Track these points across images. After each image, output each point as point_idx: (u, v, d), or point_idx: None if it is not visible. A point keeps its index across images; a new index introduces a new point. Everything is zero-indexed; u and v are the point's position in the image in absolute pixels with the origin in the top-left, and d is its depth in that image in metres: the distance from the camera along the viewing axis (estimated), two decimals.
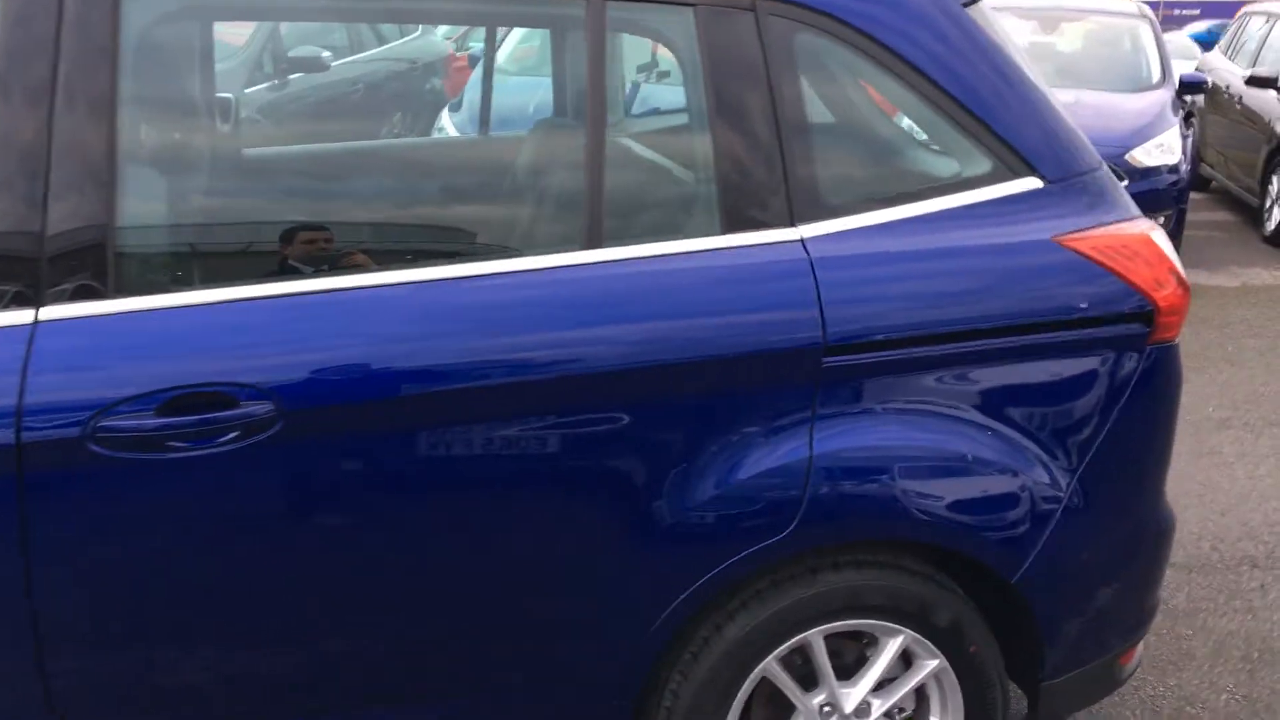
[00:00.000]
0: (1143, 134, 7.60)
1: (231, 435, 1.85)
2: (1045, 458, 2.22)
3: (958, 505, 2.18)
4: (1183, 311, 2.30)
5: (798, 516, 2.10)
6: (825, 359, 2.08)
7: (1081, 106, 7.72)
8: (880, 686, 2.32)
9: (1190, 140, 8.11)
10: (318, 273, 1.98)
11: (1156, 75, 8.32)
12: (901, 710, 2.39)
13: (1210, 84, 10.26)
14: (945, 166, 2.24)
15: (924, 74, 2.16)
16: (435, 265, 2.01)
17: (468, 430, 1.97)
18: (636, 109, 2.62)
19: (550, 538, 2.05)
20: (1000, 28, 2.33)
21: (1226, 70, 10.36)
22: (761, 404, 2.08)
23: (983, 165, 2.21)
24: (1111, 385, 2.25)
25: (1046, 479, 2.22)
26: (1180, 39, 16.86)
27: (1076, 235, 2.20)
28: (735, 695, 2.21)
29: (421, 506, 1.98)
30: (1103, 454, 2.27)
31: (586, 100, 2.04)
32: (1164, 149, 7.55)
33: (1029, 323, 2.18)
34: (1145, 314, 2.23)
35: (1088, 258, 2.19)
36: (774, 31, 2.09)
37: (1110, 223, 2.24)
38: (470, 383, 1.96)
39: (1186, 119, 10.59)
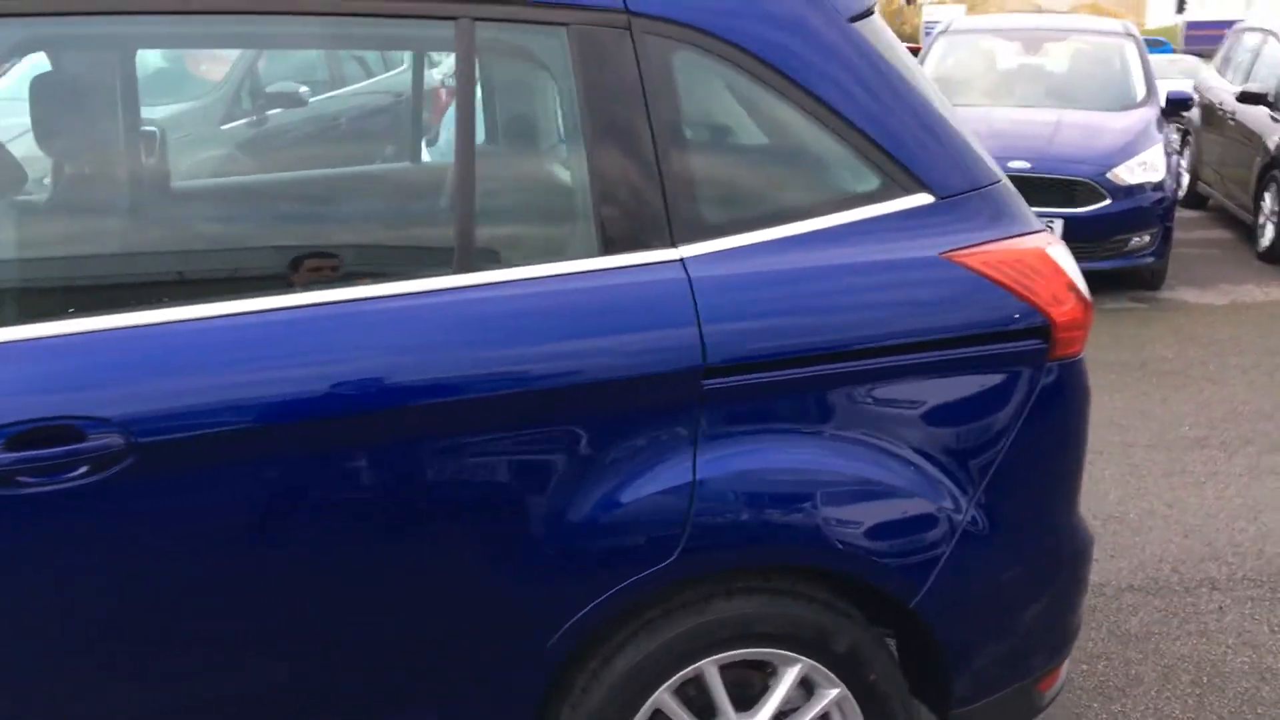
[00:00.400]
0: (1125, 151, 7.55)
1: (82, 469, 1.82)
2: (941, 478, 2.17)
3: (847, 529, 2.12)
4: (1084, 326, 2.25)
5: (681, 543, 2.05)
6: (706, 381, 2.03)
7: (1064, 126, 7.69)
8: (782, 716, 2.26)
9: (1175, 158, 8.05)
10: (161, 303, 1.94)
11: (1141, 93, 8.27)
12: None
13: (1203, 101, 10.20)
14: (831, 184, 2.20)
15: (806, 90, 2.13)
16: (313, 291, 1.97)
17: (333, 458, 1.93)
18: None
19: (427, 564, 2.01)
20: (893, 42, 2.29)
21: (1220, 87, 10.30)
22: (643, 428, 2.04)
23: (870, 182, 2.17)
24: (1009, 403, 2.20)
25: (943, 500, 2.17)
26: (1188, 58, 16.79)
27: (967, 251, 2.15)
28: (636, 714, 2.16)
29: (283, 536, 1.94)
30: (1004, 474, 2.22)
31: (456, 123, 2.02)
32: (1147, 167, 7.49)
33: (918, 341, 2.14)
34: (1042, 330, 2.18)
35: (978, 273, 2.15)
36: (650, 50, 2.06)
37: (1004, 238, 2.19)
38: (333, 411, 1.92)
39: (1184, 136, 10.53)
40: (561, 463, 2.02)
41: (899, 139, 2.17)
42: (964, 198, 2.21)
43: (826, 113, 2.13)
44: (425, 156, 3.21)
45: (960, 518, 2.18)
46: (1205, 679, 3.23)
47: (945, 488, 2.17)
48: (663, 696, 2.16)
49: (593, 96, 2.04)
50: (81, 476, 1.82)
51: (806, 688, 2.26)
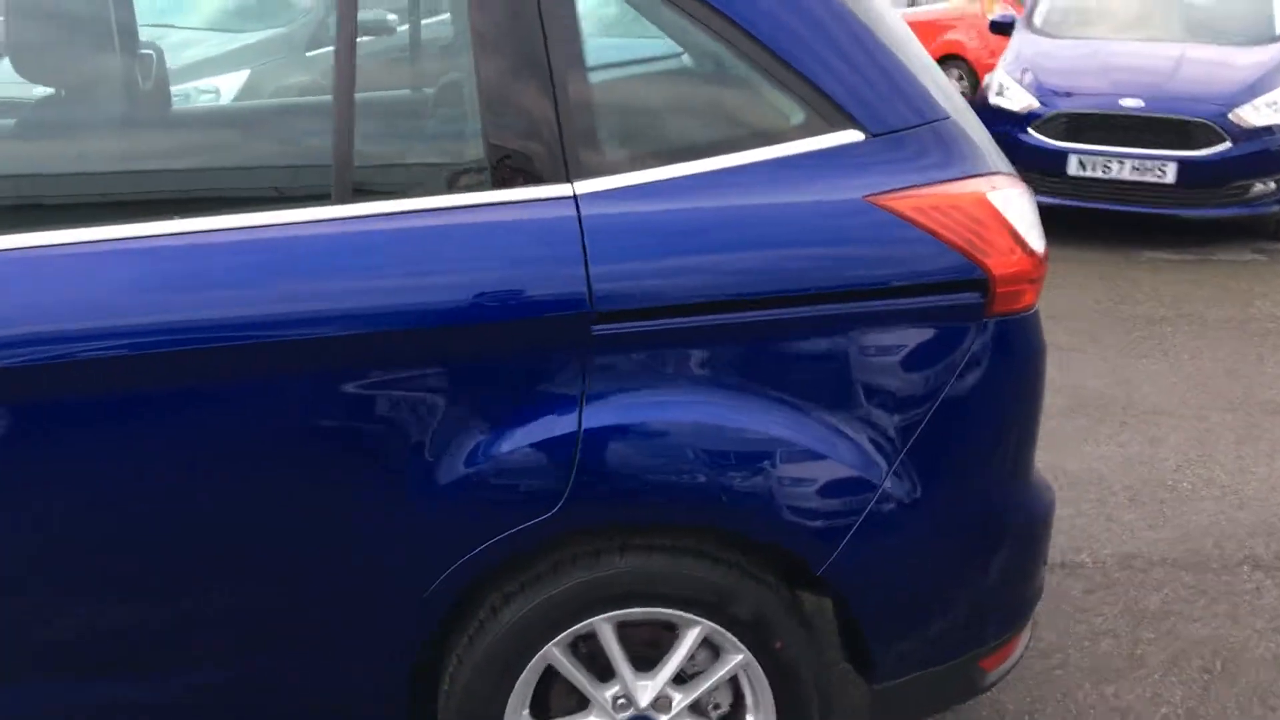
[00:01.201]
0: (1253, 90, 7.03)
1: None
2: (856, 439, 2.02)
3: (742, 488, 1.99)
4: (1031, 280, 2.05)
5: (564, 496, 1.95)
6: (596, 327, 1.91)
7: (1187, 61, 7.21)
8: (687, 680, 2.16)
9: None
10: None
11: None
12: (717, 706, 2.22)
13: None
14: (747, 117, 2.04)
15: (720, 11, 1.96)
16: (194, 217, 1.91)
17: (206, 392, 1.89)
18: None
19: (301, 504, 1.96)
20: None
21: None
22: (528, 373, 1.94)
23: (794, 116, 2.00)
24: (939, 361, 2.03)
25: (857, 463, 2.02)
26: None
27: (895, 194, 1.97)
28: (514, 681, 2.09)
29: (146, 474, 1.91)
30: (932, 438, 2.05)
31: (334, 49, 1.92)
32: (1276, 107, 6.95)
33: (834, 291, 1.97)
34: (979, 283, 1.99)
35: (906, 219, 1.97)
36: None
37: (942, 180, 2.00)
38: (197, 342, 1.87)
39: None
40: (443, 406, 1.93)
41: (826, 69, 1.99)
42: (901, 135, 2.02)
43: (743, 37, 1.97)
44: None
45: (878, 483, 2.02)
46: (1219, 665, 3.00)
47: (861, 450, 2.02)
48: (552, 651, 2.08)
49: (483, 16, 1.92)
50: None
51: (715, 651, 2.15)
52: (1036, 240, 2.06)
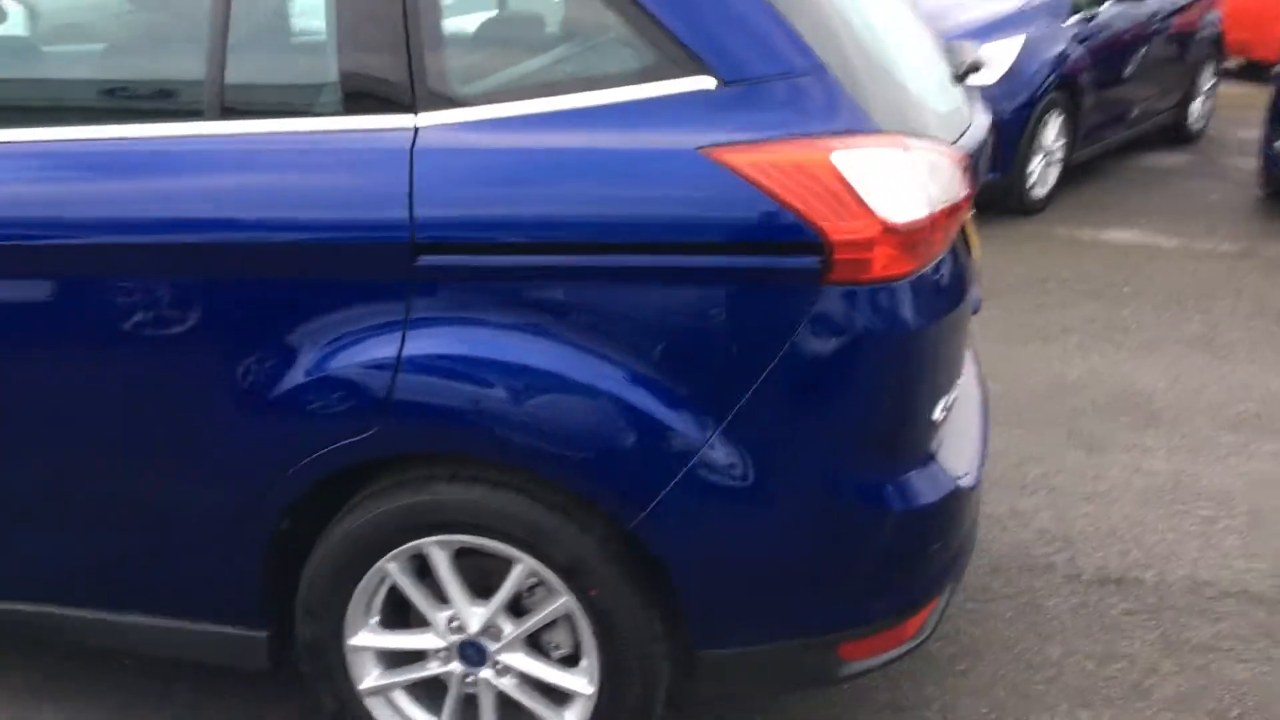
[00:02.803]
0: None
1: None
2: (678, 399, 1.97)
3: (554, 433, 1.99)
4: (883, 247, 1.91)
5: (382, 418, 2.04)
6: (420, 258, 1.98)
7: None
8: (524, 615, 2.20)
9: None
10: None
11: None
12: (558, 648, 2.24)
13: None
14: (597, 58, 2.01)
15: None
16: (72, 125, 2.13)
17: (74, 285, 2.11)
18: None
19: (140, 407, 2.14)
20: None
21: None
22: (359, 296, 2.03)
23: (642, 58, 1.96)
24: (772, 326, 1.94)
25: (677, 423, 1.97)
26: None
27: (732, 148, 1.90)
28: (353, 588, 2.20)
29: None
30: (765, 405, 1.97)
31: None
32: None
33: (663, 243, 1.93)
34: (815, 246, 1.89)
35: (740, 174, 1.89)
36: None
37: (789, 137, 1.90)
38: (63, 236, 2.09)
39: None
40: (283, 320, 2.06)
41: (679, 11, 1.94)
42: (758, 86, 1.93)
43: None
44: None
45: (699, 446, 1.97)
46: (1236, 711, 2.67)
47: (681, 411, 1.97)
48: (387, 566, 2.17)
49: None
50: None
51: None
52: (891, 207, 1.91)
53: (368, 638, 2.25)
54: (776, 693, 2.32)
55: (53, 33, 2.55)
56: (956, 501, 2.18)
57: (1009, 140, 6.38)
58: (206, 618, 2.30)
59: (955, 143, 2.20)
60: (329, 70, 2.04)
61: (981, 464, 2.43)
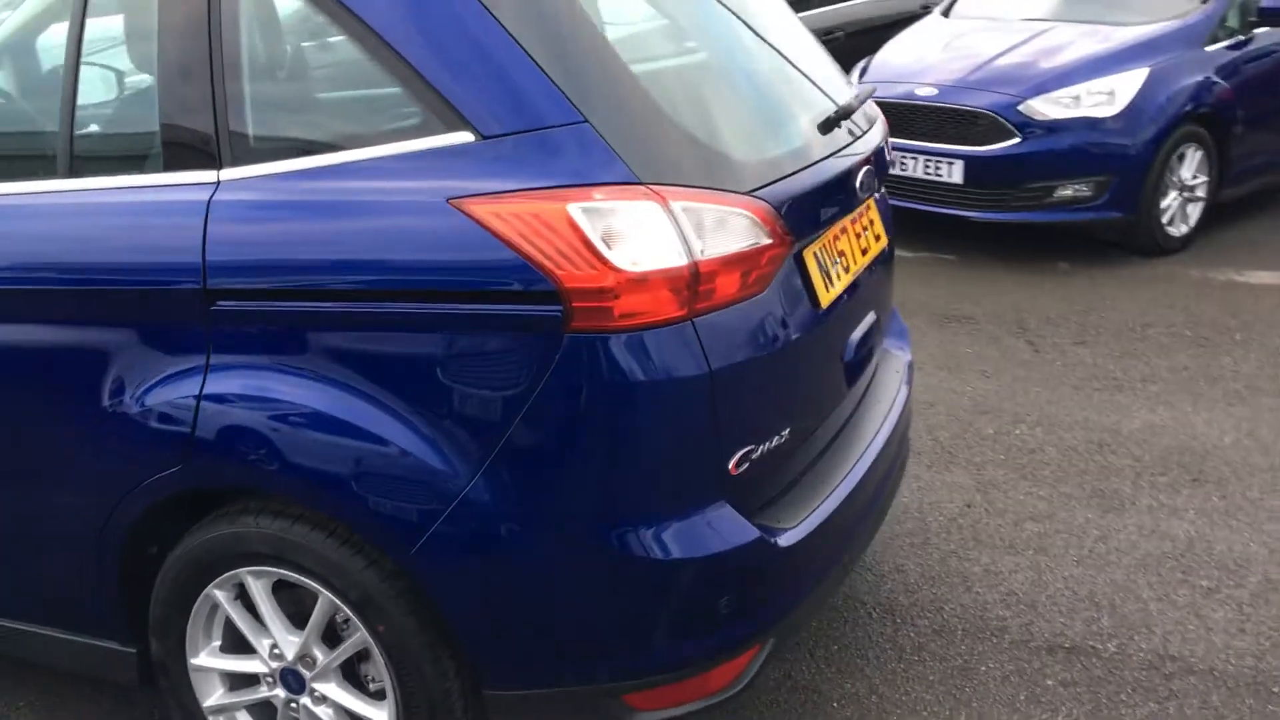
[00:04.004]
0: (1062, 79, 6.05)
1: None
2: (441, 441, 2.03)
3: (328, 470, 2.09)
4: (624, 297, 1.93)
5: (188, 454, 2.19)
6: (217, 304, 2.12)
7: (1026, 46, 6.40)
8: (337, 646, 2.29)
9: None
10: None
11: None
12: (374, 680, 2.32)
13: None
14: (375, 115, 2.11)
15: (352, 12, 2.06)
16: None
17: None
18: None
19: (26, 421, 2.37)
20: None
21: None
22: (170, 337, 2.19)
23: (413, 116, 2.05)
24: (522, 372, 1.98)
25: (440, 464, 2.03)
26: None
27: (477, 199, 1.96)
28: (188, 611, 2.35)
29: None
30: (519, 451, 2.01)
31: (66, 43, 2.28)
32: (1091, 97, 5.96)
33: (419, 290, 2.01)
34: (554, 294, 1.93)
35: (482, 224, 1.95)
36: None
37: (532, 188, 1.95)
38: None
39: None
40: (112, 358, 2.24)
41: (444, 71, 2.02)
42: (512, 139, 1.99)
43: (373, 39, 2.05)
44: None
45: (462, 488, 2.02)
46: None
47: (443, 452, 2.03)
48: (214, 592, 2.32)
49: (167, 17, 2.18)
50: None
51: None
52: (631, 257, 1.92)
53: (207, 659, 2.39)
54: None
55: None
56: (755, 553, 2.13)
57: (1131, 177, 6.03)
58: (81, 630, 2.49)
59: (782, 182, 2.21)
60: (154, 133, 2.21)
61: (844, 516, 2.39)
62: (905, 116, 6.25)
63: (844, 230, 2.52)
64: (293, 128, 2.18)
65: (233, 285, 2.10)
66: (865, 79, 6.58)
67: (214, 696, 2.42)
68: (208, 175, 2.15)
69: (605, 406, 1.98)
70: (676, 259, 1.96)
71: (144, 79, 2.27)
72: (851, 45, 7.61)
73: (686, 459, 2.06)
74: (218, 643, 2.39)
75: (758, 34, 2.62)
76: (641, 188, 1.97)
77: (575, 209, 1.92)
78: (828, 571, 2.40)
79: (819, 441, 2.48)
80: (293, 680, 2.32)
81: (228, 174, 2.13)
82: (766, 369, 2.17)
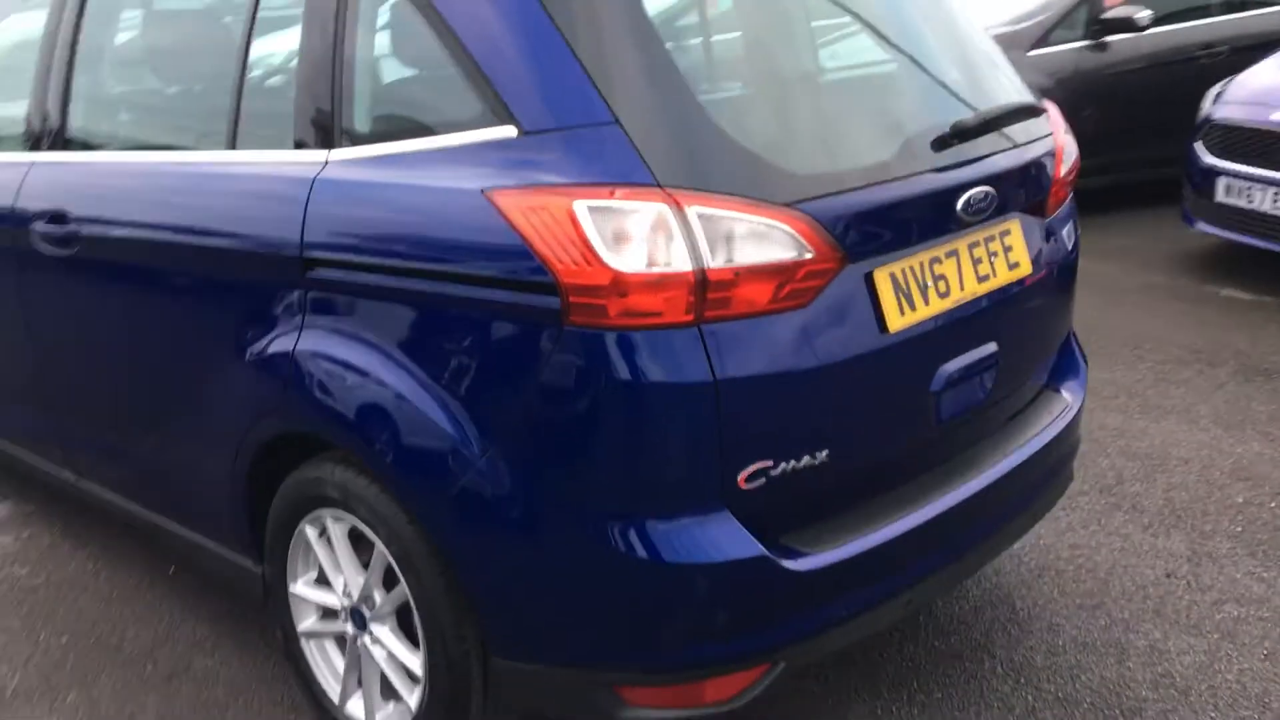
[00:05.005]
0: None
1: (70, 246, 2.97)
2: (459, 414, 2.17)
3: (368, 426, 2.28)
4: (620, 296, 1.98)
5: (283, 398, 2.47)
6: (310, 271, 2.39)
7: None
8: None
9: None
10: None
11: None
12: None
13: None
14: (451, 107, 2.24)
15: (439, 12, 2.23)
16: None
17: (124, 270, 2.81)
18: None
19: (165, 358, 2.76)
20: None
21: None
22: (279, 296, 2.47)
23: (474, 108, 2.19)
24: (527, 360, 2.09)
25: (455, 434, 2.16)
26: None
27: (505, 191, 2.08)
28: (287, 542, 2.63)
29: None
30: (528, 434, 2.12)
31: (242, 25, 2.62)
32: None
33: (456, 273, 2.15)
34: (554, 288, 2.02)
35: (506, 217, 2.07)
36: None
37: (553, 184, 2.04)
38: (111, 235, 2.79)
39: None
40: (242, 309, 2.56)
41: (499, 67, 2.15)
42: (548, 136, 2.10)
43: (450, 36, 2.21)
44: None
45: (475, 461, 2.15)
46: None
47: (459, 425, 2.16)
48: (305, 528, 2.59)
49: (309, 21, 2.46)
50: (67, 249, 2.96)
51: None
52: (630, 259, 1.97)
53: (302, 588, 2.66)
54: (564, 717, 2.36)
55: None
56: (757, 571, 2.10)
57: None
58: (224, 543, 2.84)
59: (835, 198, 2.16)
60: (290, 117, 2.49)
61: (899, 552, 2.31)
62: (1261, 144, 5.63)
63: (952, 253, 2.39)
64: (389, 115, 2.38)
65: (319, 255, 2.33)
66: (1221, 100, 5.98)
67: (307, 622, 2.68)
68: (318, 156, 2.39)
69: (597, 401, 2.03)
70: (683, 264, 1.98)
71: (289, 70, 2.53)
72: (1237, 62, 6.91)
73: (681, 464, 2.06)
74: (313, 574, 2.65)
75: (885, 33, 2.53)
76: (658, 190, 1.99)
77: (580, 206, 1.98)
78: (869, 605, 2.31)
79: (889, 471, 2.38)
80: (358, 618, 2.54)
81: (336, 155, 2.37)
82: (797, 386, 2.12)
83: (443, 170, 2.17)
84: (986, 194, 2.39)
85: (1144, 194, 7.24)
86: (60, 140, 3.11)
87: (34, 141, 3.19)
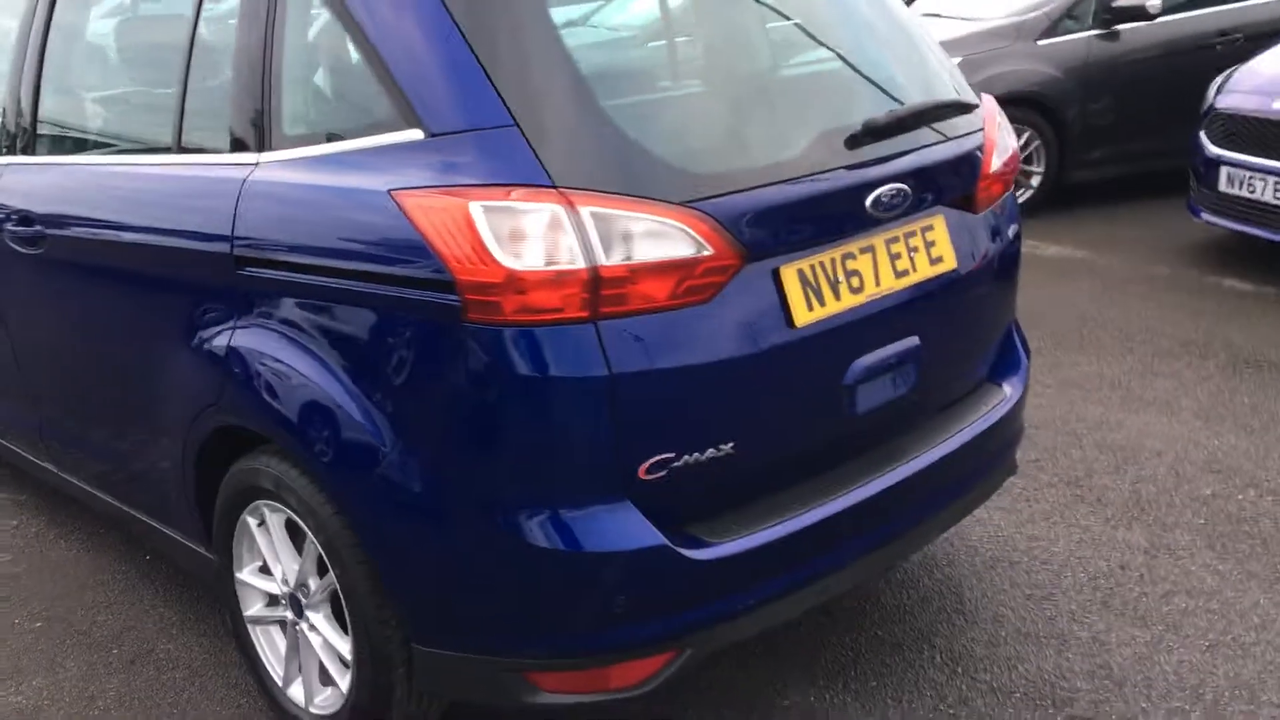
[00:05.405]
0: None
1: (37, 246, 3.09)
2: (372, 407, 2.24)
3: (289, 418, 2.36)
4: (515, 294, 2.04)
5: (220, 392, 2.56)
6: (240, 269, 2.47)
7: None
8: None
9: None
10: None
11: None
12: None
13: None
14: (368, 110, 2.32)
15: (354, 20, 2.31)
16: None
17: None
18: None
19: (123, 355, 2.86)
20: None
21: None
22: (218, 294, 2.56)
23: (387, 112, 2.26)
24: (431, 354, 2.16)
25: (370, 427, 2.23)
26: None
27: (409, 192, 2.15)
28: (232, 530, 2.73)
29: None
30: (429, 425, 2.19)
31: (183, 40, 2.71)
32: None
33: (363, 270, 2.22)
34: (452, 285, 2.09)
35: (407, 216, 2.15)
36: None
37: (455, 185, 2.11)
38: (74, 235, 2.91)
39: None
40: (185, 306, 2.65)
41: (408, 72, 2.22)
42: (452, 138, 2.17)
43: (365, 43, 2.29)
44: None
45: (388, 455, 2.23)
46: None
47: (371, 419, 2.24)
48: (246, 518, 2.68)
49: (242, 32, 2.54)
50: (35, 248, 3.08)
51: None
52: (523, 257, 2.03)
53: (247, 576, 2.76)
54: (480, 702, 2.42)
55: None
56: (658, 559, 2.16)
57: None
58: (180, 530, 2.95)
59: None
60: (224, 122, 2.58)
61: (811, 543, 2.36)
62: (1263, 133, 5.58)
63: (868, 249, 2.43)
64: (313, 119, 2.47)
65: (248, 254, 2.42)
66: (1225, 89, 5.92)
67: (254, 608, 2.78)
68: (252, 158, 2.48)
69: (496, 395, 2.10)
70: (577, 262, 2.04)
71: (225, 79, 2.62)
72: (1252, 50, 6.83)
73: (580, 455, 2.12)
74: (258, 563, 2.74)
75: (810, 31, 2.58)
76: (553, 191, 2.05)
77: (476, 207, 2.04)
78: (779, 594, 2.35)
79: (805, 462, 2.42)
80: (296, 605, 2.63)
81: (265, 157, 2.45)
82: (699, 380, 2.18)
83: (356, 172, 2.25)
84: (899, 191, 2.42)
85: (1156, 185, 7.19)
86: (30, 144, 3.23)
87: (10, 144, 3.30)
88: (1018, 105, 6.90)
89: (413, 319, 2.15)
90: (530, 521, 2.14)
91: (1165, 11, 7.01)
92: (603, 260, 2.05)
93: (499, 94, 2.11)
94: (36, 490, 3.99)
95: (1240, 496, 3.69)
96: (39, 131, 3.23)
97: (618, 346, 2.09)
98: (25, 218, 3.10)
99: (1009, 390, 2.88)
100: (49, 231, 3.02)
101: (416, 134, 2.18)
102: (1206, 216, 5.96)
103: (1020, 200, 7.13)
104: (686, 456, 2.19)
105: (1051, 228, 6.92)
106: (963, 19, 7.42)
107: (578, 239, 2.04)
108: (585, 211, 2.05)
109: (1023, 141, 7.07)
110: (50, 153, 3.23)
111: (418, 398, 2.18)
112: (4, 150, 3.32)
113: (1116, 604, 3.14)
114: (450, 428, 2.16)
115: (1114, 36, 7.06)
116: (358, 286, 2.22)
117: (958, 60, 6.53)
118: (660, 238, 2.10)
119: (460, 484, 2.18)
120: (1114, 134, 7.17)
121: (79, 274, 3.00)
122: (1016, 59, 7.01)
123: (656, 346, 2.13)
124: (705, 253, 2.14)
